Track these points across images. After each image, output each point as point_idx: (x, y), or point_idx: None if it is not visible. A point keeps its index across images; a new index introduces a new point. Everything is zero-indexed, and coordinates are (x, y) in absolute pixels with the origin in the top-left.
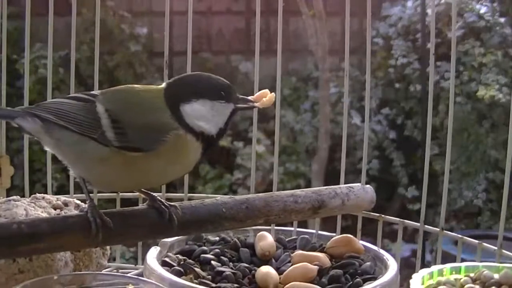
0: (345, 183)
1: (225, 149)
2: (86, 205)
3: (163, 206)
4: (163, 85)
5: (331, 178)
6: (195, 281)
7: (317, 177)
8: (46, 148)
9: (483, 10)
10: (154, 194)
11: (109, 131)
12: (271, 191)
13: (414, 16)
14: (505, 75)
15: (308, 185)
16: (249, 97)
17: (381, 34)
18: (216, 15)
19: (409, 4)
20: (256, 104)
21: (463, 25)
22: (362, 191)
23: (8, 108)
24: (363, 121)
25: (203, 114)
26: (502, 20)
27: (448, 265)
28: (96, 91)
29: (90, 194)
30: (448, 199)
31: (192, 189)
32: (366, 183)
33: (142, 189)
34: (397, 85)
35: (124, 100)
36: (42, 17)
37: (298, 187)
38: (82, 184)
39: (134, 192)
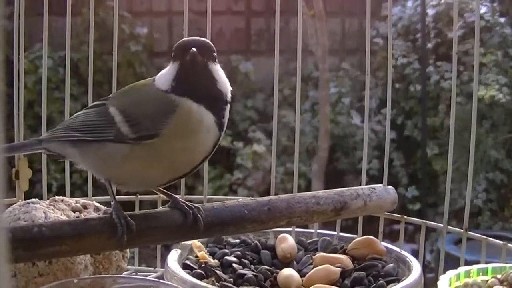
0: (344, 184)
1: (225, 149)
2: (111, 207)
3: (186, 207)
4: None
5: (331, 178)
6: (217, 284)
7: (317, 177)
8: (80, 167)
9: (483, 10)
10: (175, 195)
11: (123, 126)
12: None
13: (414, 16)
14: (505, 75)
15: (308, 185)
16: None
17: (381, 34)
18: (216, 15)
19: (409, 4)
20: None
21: (463, 25)
22: (384, 192)
23: (34, 139)
24: (363, 121)
25: (166, 74)
26: (502, 20)
27: (475, 267)
28: (110, 95)
29: (98, 197)
30: (449, 199)
31: (192, 189)
32: (366, 184)
33: (164, 191)
34: (397, 85)
35: (129, 93)
36: (42, 17)
37: (298, 187)
38: (108, 186)
39: (155, 194)
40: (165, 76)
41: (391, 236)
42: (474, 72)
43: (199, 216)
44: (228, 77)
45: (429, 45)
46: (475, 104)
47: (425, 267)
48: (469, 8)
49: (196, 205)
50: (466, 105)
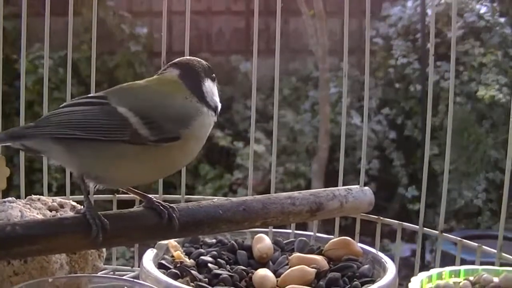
0: (344, 184)
1: (225, 149)
2: (84, 206)
3: (161, 207)
4: (171, 72)
5: (331, 178)
6: (192, 284)
7: (317, 177)
8: (53, 161)
9: (483, 10)
10: (150, 195)
11: (142, 128)
12: (270, 191)
13: (414, 16)
14: (505, 75)
15: (308, 185)
16: None
17: (381, 34)
18: (216, 15)
19: (409, 4)
20: None
21: (463, 25)
22: (361, 193)
23: (9, 131)
24: (362, 121)
25: (214, 91)
26: (502, 20)
27: (447, 268)
28: (99, 93)
29: (75, 196)
30: (448, 199)
31: (192, 189)
32: (366, 184)
33: (138, 191)
34: (397, 85)
35: (144, 94)
36: (42, 17)
37: (298, 187)
38: (82, 185)
39: (129, 194)
40: (212, 93)
41: (390, 236)
42: (450, 74)
43: (174, 215)
44: (228, 77)
45: (429, 45)
46: (452, 106)
47: (424, 267)
48: (469, 8)
49: (171, 205)
50: (465, 105)
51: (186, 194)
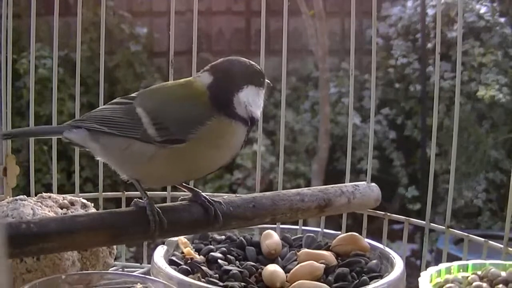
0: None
1: None
2: (143, 202)
3: (207, 202)
4: (204, 75)
5: (331, 178)
6: (203, 279)
7: (317, 177)
8: (97, 158)
9: (483, 10)
10: (198, 190)
11: (150, 128)
12: (271, 190)
13: (414, 16)
14: (505, 75)
15: (308, 185)
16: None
17: (381, 34)
18: (216, 15)
19: (409, 4)
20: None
21: (463, 25)
22: (368, 189)
23: (57, 125)
24: (362, 121)
25: (252, 100)
26: (502, 20)
27: (456, 263)
28: (133, 94)
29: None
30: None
31: None
32: None
33: (185, 185)
34: (397, 85)
35: (160, 96)
36: (41, 17)
37: (298, 187)
38: (137, 185)
39: (164, 191)
40: (249, 102)
41: (390, 236)
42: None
43: (218, 212)
44: None
45: (429, 45)
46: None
47: (424, 267)
48: (469, 8)
49: (218, 199)
50: (465, 105)
51: None
